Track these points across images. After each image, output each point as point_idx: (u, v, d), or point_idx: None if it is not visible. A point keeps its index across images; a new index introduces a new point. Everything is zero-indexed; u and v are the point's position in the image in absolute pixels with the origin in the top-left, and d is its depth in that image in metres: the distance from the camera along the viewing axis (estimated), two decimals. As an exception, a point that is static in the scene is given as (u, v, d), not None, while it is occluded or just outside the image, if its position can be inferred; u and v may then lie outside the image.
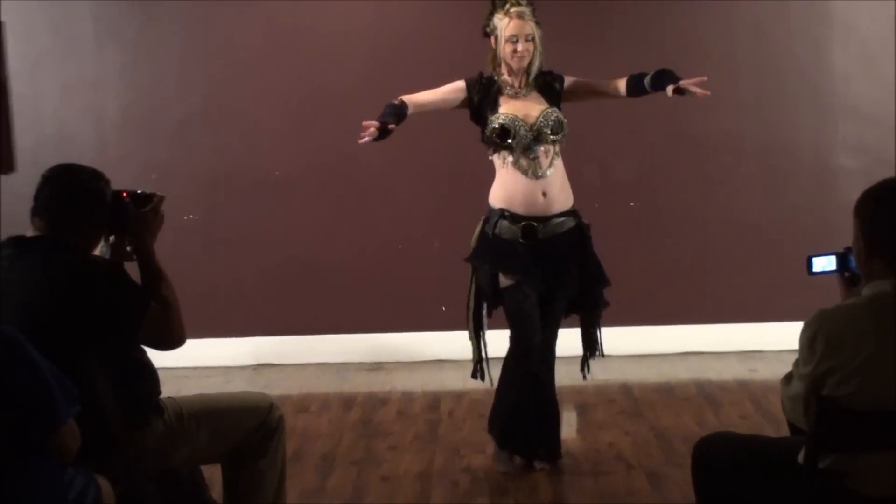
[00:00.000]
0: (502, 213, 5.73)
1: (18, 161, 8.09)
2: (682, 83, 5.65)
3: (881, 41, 8.13)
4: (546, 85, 5.83)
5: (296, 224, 8.28)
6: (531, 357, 5.78)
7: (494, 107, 5.75)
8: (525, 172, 5.68)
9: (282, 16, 8.18)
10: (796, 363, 3.59)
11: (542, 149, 5.69)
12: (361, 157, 8.22)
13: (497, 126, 5.69)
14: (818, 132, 8.11)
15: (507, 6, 5.70)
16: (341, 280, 8.30)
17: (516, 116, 5.68)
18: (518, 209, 5.71)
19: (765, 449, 4.04)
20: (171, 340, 4.19)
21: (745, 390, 7.23)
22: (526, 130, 5.67)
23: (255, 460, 4.44)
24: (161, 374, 4.32)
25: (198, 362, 7.73)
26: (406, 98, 5.81)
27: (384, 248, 8.28)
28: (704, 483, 3.91)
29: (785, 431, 3.99)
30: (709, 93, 5.64)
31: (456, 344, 8.21)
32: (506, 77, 5.78)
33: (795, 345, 3.57)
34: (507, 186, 5.74)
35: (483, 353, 5.99)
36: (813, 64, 8.12)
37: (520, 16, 5.68)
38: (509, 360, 5.85)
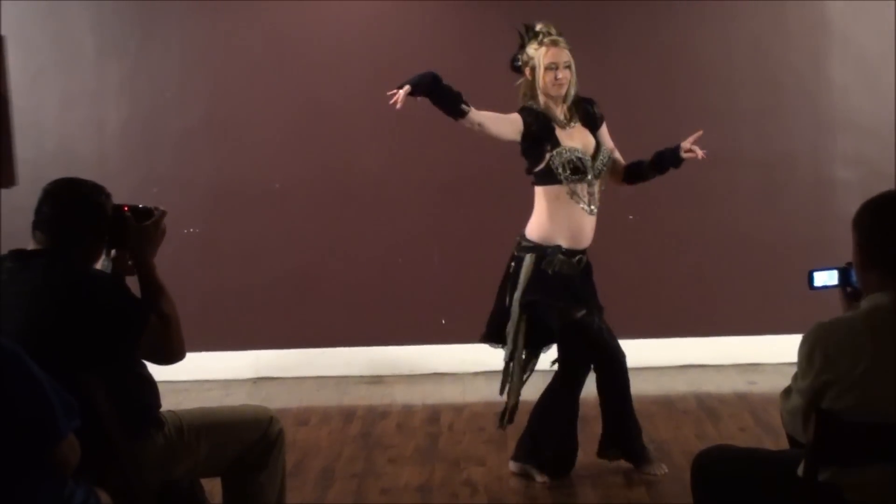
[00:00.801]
0: (559, 249, 5.76)
1: (19, 174, 8.09)
2: (685, 153, 5.79)
3: (880, 53, 8.15)
4: (586, 113, 5.87)
5: (296, 237, 8.28)
6: (625, 371, 5.88)
7: (552, 139, 5.74)
8: (584, 207, 5.75)
9: (282, 29, 8.19)
10: (795, 376, 3.60)
11: (596, 186, 5.78)
12: (362, 170, 8.25)
13: (569, 159, 5.68)
14: (816, 144, 8.12)
15: (541, 37, 5.75)
16: (341, 293, 8.30)
17: (584, 152, 5.73)
18: (570, 243, 5.78)
19: (764, 462, 4.05)
20: (170, 355, 4.18)
21: (745, 403, 7.24)
22: (590, 167, 5.73)
23: (255, 473, 4.44)
24: (161, 388, 4.32)
25: (197, 375, 7.72)
26: (472, 108, 5.79)
27: (384, 262, 8.29)
28: (704, 496, 3.91)
29: (784, 444, 4.00)
30: (706, 153, 5.79)
31: (455, 357, 8.27)
32: (548, 108, 5.79)
33: (794, 357, 3.57)
34: (559, 220, 5.78)
35: (518, 398, 6.03)
36: (811, 76, 8.13)
37: (556, 44, 5.74)
38: (558, 390, 5.93)
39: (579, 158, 5.70)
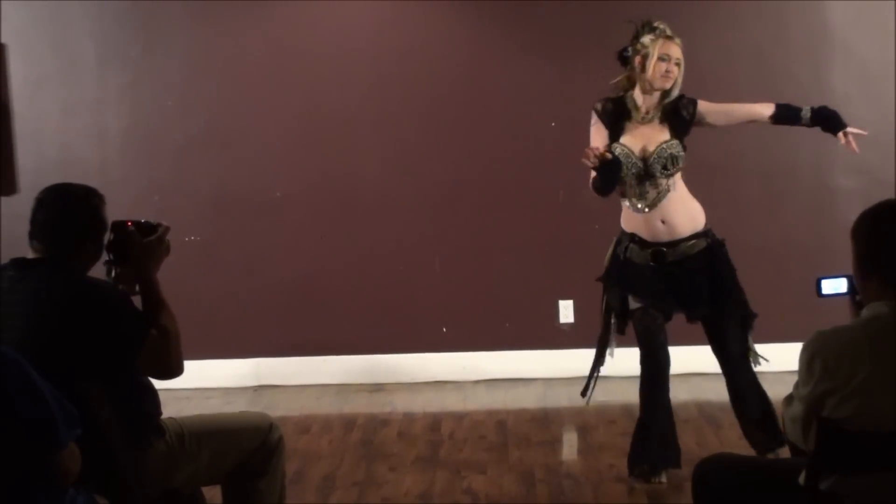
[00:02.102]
0: (632, 238, 5.83)
1: (21, 182, 8.09)
2: (850, 134, 5.96)
3: (880, 63, 8.16)
4: (674, 111, 5.83)
5: (297, 245, 8.28)
6: (659, 376, 5.89)
7: (618, 134, 5.78)
8: (633, 205, 5.79)
9: (282, 39, 8.20)
10: (797, 385, 3.60)
11: (650, 183, 5.76)
12: (362, 178, 8.26)
13: (611, 157, 5.67)
14: (818, 153, 8.11)
15: (658, 31, 5.77)
16: (342, 301, 8.30)
17: (632, 151, 5.72)
18: (644, 236, 5.81)
19: (766, 470, 4.06)
20: (168, 370, 4.18)
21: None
22: (638, 168, 5.73)
23: (256, 480, 4.44)
24: (162, 396, 4.33)
25: (199, 383, 7.71)
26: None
27: (385, 270, 8.29)
28: (706, 502, 3.91)
29: (785, 452, 4.00)
30: (858, 151, 5.93)
31: (457, 365, 8.27)
32: (636, 99, 5.81)
33: (795, 366, 3.57)
34: (629, 214, 5.85)
35: (597, 371, 6.10)
36: (813, 86, 8.13)
37: (671, 39, 5.76)
38: (644, 384, 5.97)
39: (625, 158, 5.69)
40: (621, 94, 5.88)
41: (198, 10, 8.19)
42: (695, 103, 5.86)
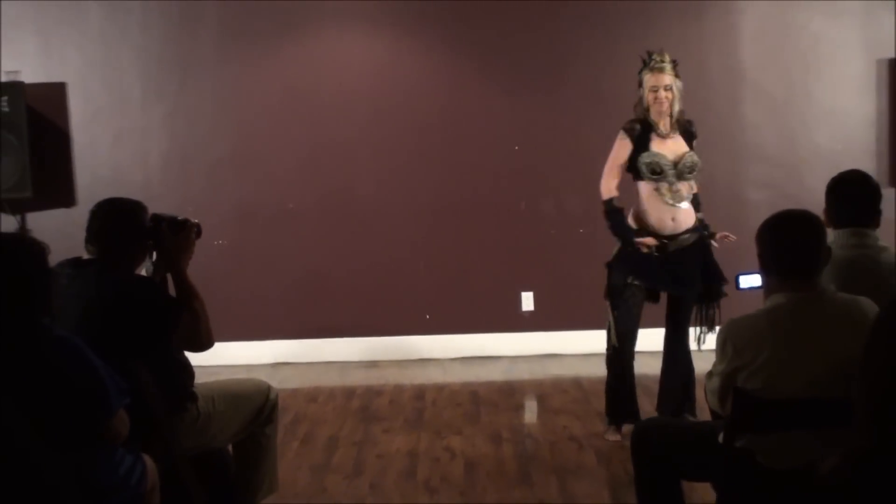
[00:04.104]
0: (639, 234, 5.79)
1: (78, 197, 8.07)
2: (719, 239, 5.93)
3: (784, 98, 8.18)
4: (686, 130, 5.87)
5: (306, 247, 8.26)
6: (628, 343, 5.91)
7: (647, 145, 5.78)
8: (666, 201, 5.76)
9: (294, 79, 8.17)
10: (715, 363, 3.61)
11: (682, 183, 5.76)
12: (360, 194, 8.25)
13: (650, 161, 5.74)
14: (733, 172, 8.12)
15: (652, 63, 5.79)
16: (344, 293, 8.28)
17: (665, 156, 5.75)
18: (654, 228, 5.78)
19: (691, 431, 4.06)
20: (199, 345, 4.19)
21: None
22: (670, 168, 5.74)
23: (264, 426, 4.56)
24: (196, 371, 4.32)
25: (226, 361, 7.67)
26: (614, 197, 5.87)
27: (378, 267, 8.27)
28: (641, 458, 3.91)
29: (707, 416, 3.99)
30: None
31: (438, 345, 8.27)
32: (654, 119, 5.81)
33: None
34: (647, 209, 5.81)
35: (612, 333, 5.98)
36: (729, 116, 8.14)
37: (659, 70, 5.76)
38: (609, 352, 6.01)
39: (657, 162, 5.74)
40: (643, 116, 5.85)
41: (225, 55, 8.16)
42: (692, 124, 5.93)
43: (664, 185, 5.76)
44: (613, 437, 5.96)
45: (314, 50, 8.18)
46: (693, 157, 5.81)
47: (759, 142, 8.22)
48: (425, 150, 8.26)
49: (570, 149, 8.05)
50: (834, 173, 4.41)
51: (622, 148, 5.85)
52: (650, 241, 5.72)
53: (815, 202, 4.35)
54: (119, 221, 4.14)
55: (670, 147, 5.81)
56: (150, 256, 4.25)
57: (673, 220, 5.80)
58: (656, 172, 5.75)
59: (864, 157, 7.89)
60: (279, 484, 4.77)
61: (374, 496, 5.28)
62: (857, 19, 8.11)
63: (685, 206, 5.83)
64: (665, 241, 5.79)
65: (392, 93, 8.19)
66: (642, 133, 5.81)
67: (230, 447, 4.55)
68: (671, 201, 5.77)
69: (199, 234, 4.34)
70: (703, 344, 5.94)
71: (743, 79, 8.19)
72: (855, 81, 8.15)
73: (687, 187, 5.81)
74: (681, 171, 5.77)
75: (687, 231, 5.85)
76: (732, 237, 5.86)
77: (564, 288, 8.16)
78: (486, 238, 8.27)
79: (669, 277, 5.83)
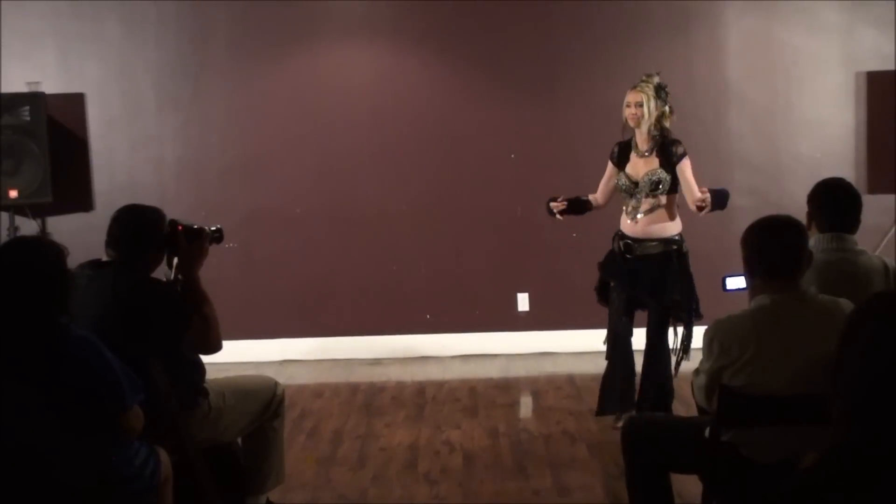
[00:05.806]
0: (620, 236, 5.94)
1: (96, 201, 8.07)
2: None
3: (767, 108, 8.18)
4: (665, 148, 5.85)
5: (313, 250, 8.26)
6: (617, 340, 5.98)
7: (624, 164, 5.92)
8: (626, 212, 5.91)
9: (302, 88, 8.17)
10: (701, 360, 3.61)
11: (647, 200, 5.83)
12: (365, 199, 8.25)
13: (618, 182, 5.93)
14: (718, 179, 8.07)
15: (636, 83, 5.89)
16: (349, 294, 8.28)
17: (631, 176, 5.86)
18: (626, 232, 5.92)
19: (678, 426, 4.06)
20: (209, 347, 4.18)
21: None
22: (629, 188, 5.85)
23: (272, 420, 4.57)
24: (207, 369, 4.33)
25: (236, 359, 7.64)
26: (592, 196, 6.12)
27: (381, 270, 8.27)
28: (632, 451, 3.91)
29: (695, 412, 3.99)
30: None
31: (438, 343, 8.26)
32: (637, 138, 5.89)
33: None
34: (622, 218, 5.96)
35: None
36: (714, 126, 8.15)
37: (636, 88, 5.84)
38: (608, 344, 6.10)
39: (623, 182, 5.89)
40: (630, 137, 5.93)
41: (235, 66, 8.16)
42: (683, 156, 5.87)
43: (629, 201, 5.90)
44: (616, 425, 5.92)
45: (321, 61, 8.18)
46: (655, 176, 5.81)
47: (743, 150, 8.22)
48: (426, 158, 8.26)
49: (564, 157, 8.06)
50: (815, 181, 4.42)
51: (608, 169, 6.06)
52: (559, 205, 5.91)
53: (797, 208, 4.35)
54: (139, 228, 4.15)
55: (640, 167, 5.87)
56: (170, 264, 4.25)
57: (634, 230, 5.88)
58: (623, 191, 5.92)
59: (843, 165, 7.89)
60: (286, 475, 4.78)
61: (377, 487, 5.28)
62: (837, 34, 8.12)
63: (653, 217, 5.85)
64: (630, 241, 5.88)
65: (394, 103, 8.19)
66: (620, 154, 5.95)
67: (240, 440, 4.55)
68: (631, 214, 5.89)
69: (220, 238, 4.37)
70: (678, 368, 5.94)
71: (728, 90, 8.19)
72: (835, 93, 8.15)
73: (648, 202, 5.84)
74: (641, 189, 5.83)
75: (655, 240, 5.88)
76: (707, 194, 5.81)
77: (558, 289, 8.17)
78: (484, 242, 8.27)
79: (627, 277, 5.91)
